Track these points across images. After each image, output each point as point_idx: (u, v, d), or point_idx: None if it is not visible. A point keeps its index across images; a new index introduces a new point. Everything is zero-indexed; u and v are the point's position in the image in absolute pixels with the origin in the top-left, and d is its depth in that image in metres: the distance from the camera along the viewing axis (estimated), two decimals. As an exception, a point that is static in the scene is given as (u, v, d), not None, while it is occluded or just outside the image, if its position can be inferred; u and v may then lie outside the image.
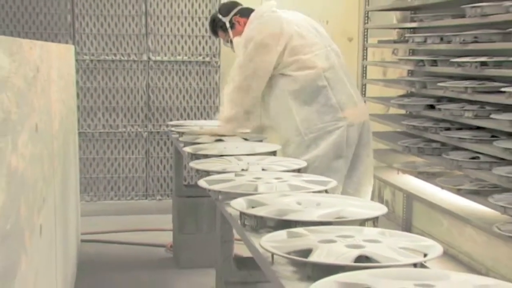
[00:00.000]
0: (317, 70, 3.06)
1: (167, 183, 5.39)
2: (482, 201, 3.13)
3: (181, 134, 3.44)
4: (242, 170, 2.41)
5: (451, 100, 3.62)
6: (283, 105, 3.10)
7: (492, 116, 3.10)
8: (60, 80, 2.72)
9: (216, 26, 3.35)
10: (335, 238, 1.55)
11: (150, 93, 5.30)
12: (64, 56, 3.14)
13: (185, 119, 5.27)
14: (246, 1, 3.45)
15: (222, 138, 3.14)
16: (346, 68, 3.20)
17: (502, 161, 3.09)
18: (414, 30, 4.26)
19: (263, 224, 1.77)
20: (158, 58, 5.27)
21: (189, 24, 5.29)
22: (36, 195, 1.62)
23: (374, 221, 1.78)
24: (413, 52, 4.36)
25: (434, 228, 4.33)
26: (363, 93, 4.92)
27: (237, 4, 3.35)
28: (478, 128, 3.38)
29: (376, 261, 1.42)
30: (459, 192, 3.33)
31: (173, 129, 3.78)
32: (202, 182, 2.21)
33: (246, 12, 3.25)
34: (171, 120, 5.19)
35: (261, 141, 3.18)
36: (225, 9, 3.33)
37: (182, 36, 5.29)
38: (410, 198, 4.54)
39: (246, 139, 3.17)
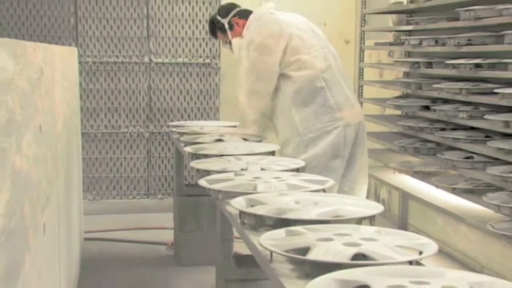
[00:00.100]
0: (316, 71, 3.06)
1: (168, 183, 5.38)
2: (476, 200, 3.13)
3: (182, 134, 3.44)
4: (242, 169, 2.41)
5: (446, 101, 3.63)
6: (283, 105, 3.11)
7: (486, 116, 3.10)
8: (64, 82, 2.72)
9: (215, 28, 3.34)
10: (332, 237, 1.55)
11: (152, 94, 5.29)
12: (67, 58, 3.14)
13: (185, 120, 5.26)
14: (245, 3, 3.45)
15: (222, 138, 3.14)
16: (343, 70, 3.20)
17: (495, 161, 3.09)
18: (409, 32, 4.26)
19: (262, 223, 1.77)
20: (160, 60, 5.27)
21: (189, 27, 5.29)
22: (40, 194, 1.61)
23: (371, 220, 1.78)
24: (408, 54, 4.36)
25: (430, 227, 4.33)
26: (360, 94, 4.92)
27: (235, 5, 3.35)
28: (472, 128, 3.38)
29: (373, 259, 1.42)
30: (454, 191, 3.33)
31: (174, 129, 3.77)
32: (202, 182, 2.21)
33: (245, 14, 3.25)
34: (172, 120, 5.18)
35: (260, 141, 3.18)
36: (224, 11, 3.32)
37: (183, 39, 5.29)
38: (406, 197, 4.54)
39: (245, 139, 3.18)
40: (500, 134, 3.13)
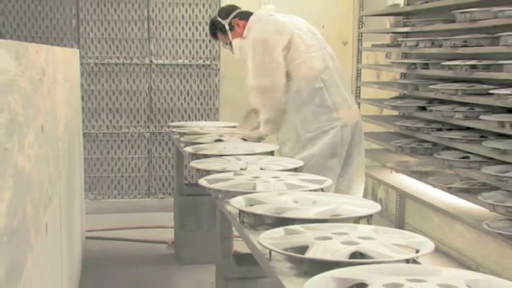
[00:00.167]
0: (314, 72, 3.06)
1: (169, 182, 5.38)
2: (472, 199, 3.13)
3: (182, 134, 3.44)
4: (241, 169, 2.41)
5: (442, 102, 3.63)
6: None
7: (481, 117, 3.11)
8: (66, 83, 2.72)
9: (215, 29, 3.34)
10: (330, 235, 1.55)
11: (152, 95, 5.29)
12: (69, 60, 3.14)
13: (186, 120, 5.26)
14: (245, 5, 3.45)
15: (221, 138, 3.13)
16: (340, 71, 3.20)
17: (491, 161, 3.09)
18: (406, 34, 4.26)
19: (261, 222, 1.77)
20: (160, 61, 5.27)
21: (189, 29, 5.29)
22: (42, 194, 1.61)
23: (368, 219, 1.77)
24: (405, 55, 4.36)
25: (426, 225, 4.33)
26: (358, 95, 4.92)
27: (236, 7, 3.35)
28: (468, 128, 3.38)
29: (370, 257, 1.42)
30: (450, 190, 3.33)
31: (174, 129, 3.77)
32: (202, 181, 2.20)
33: (245, 15, 3.25)
34: (172, 121, 5.18)
35: (259, 141, 3.18)
36: (225, 12, 3.33)
37: (183, 40, 5.29)
38: (403, 196, 4.54)
39: (245, 140, 3.17)
40: (495, 134, 3.13)
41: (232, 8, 3.34)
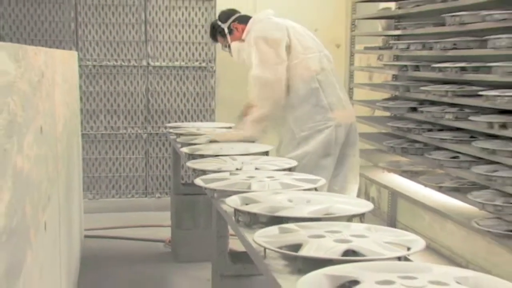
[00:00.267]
0: (310, 72, 3.06)
1: (166, 182, 5.37)
2: (462, 198, 3.14)
3: (179, 135, 3.43)
4: (237, 169, 2.41)
5: (432, 103, 3.63)
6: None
7: (471, 118, 3.11)
8: (64, 84, 2.71)
9: (215, 32, 3.35)
10: (324, 233, 1.55)
11: (150, 96, 5.28)
12: (67, 62, 3.13)
13: (182, 121, 5.25)
14: (241, 9, 3.44)
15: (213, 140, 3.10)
16: (336, 73, 3.21)
17: (480, 160, 3.10)
18: (398, 37, 4.26)
19: (256, 220, 1.77)
20: (157, 63, 5.26)
21: (186, 32, 5.28)
22: (41, 193, 1.61)
23: (361, 217, 1.77)
24: (397, 58, 4.37)
25: (417, 223, 4.34)
26: (351, 96, 4.93)
27: (235, 11, 3.36)
28: (458, 129, 3.39)
29: (363, 255, 1.42)
30: (440, 189, 3.33)
31: (171, 130, 3.77)
32: (198, 181, 2.20)
33: (244, 19, 3.25)
34: (169, 122, 5.17)
35: (254, 142, 3.17)
36: (224, 16, 3.33)
37: (179, 43, 5.28)
38: (395, 195, 4.55)
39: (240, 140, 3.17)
40: (484, 135, 3.14)
41: (231, 12, 3.35)
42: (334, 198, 1.96)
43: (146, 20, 5.20)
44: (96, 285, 3.60)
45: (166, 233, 4.37)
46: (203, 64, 5.32)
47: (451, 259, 3.93)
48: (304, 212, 1.76)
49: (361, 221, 1.76)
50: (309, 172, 2.58)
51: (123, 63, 5.19)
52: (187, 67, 5.30)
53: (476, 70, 3.20)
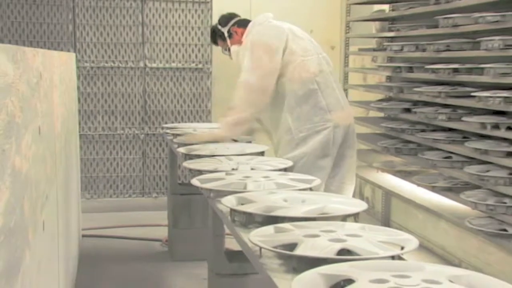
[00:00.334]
0: (309, 74, 3.06)
1: (163, 182, 5.37)
2: (454, 198, 3.14)
3: (176, 135, 3.43)
4: (232, 169, 2.41)
5: (426, 104, 3.64)
6: (278, 105, 3.10)
7: (464, 118, 3.12)
8: (62, 86, 2.71)
9: (216, 36, 3.36)
10: (319, 233, 1.55)
11: (147, 97, 5.28)
12: (65, 63, 3.12)
13: (179, 122, 5.25)
14: (237, 12, 3.44)
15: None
16: (335, 75, 3.22)
17: (473, 160, 3.11)
18: (391, 39, 4.27)
19: (251, 220, 1.77)
20: (154, 65, 5.25)
21: (182, 33, 5.28)
22: (39, 193, 1.60)
23: (355, 217, 1.78)
24: (391, 59, 4.37)
25: (411, 223, 4.34)
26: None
27: (235, 15, 3.36)
28: (451, 129, 3.39)
29: (357, 254, 1.42)
30: (433, 189, 3.34)
31: (168, 131, 3.77)
32: (195, 181, 2.20)
33: (244, 23, 3.26)
34: (166, 122, 5.17)
35: (250, 142, 3.17)
36: (224, 20, 3.33)
37: (176, 45, 5.28)
38: (389, 195, 4.56)
39: (235, 141, 3.17)
40: (477, 135, 3.15)
41: (231, 16, 3.35)
42: (329, 198, 1.96)
43: (143, 22, 5.20)
44: (94, 284, 3.59)
45: (163, 232, 4.36)
46: (200, 66, 5.32)
47: (444, 258, 3.93)
48: (299, 212, 1.76)
49: (356, 221, 1.77)
50: (307, 172, 2.58)
51: (120, 65, 5.19)
52: (183, 69, 5.30)
53: (469, 71, 3.20)
